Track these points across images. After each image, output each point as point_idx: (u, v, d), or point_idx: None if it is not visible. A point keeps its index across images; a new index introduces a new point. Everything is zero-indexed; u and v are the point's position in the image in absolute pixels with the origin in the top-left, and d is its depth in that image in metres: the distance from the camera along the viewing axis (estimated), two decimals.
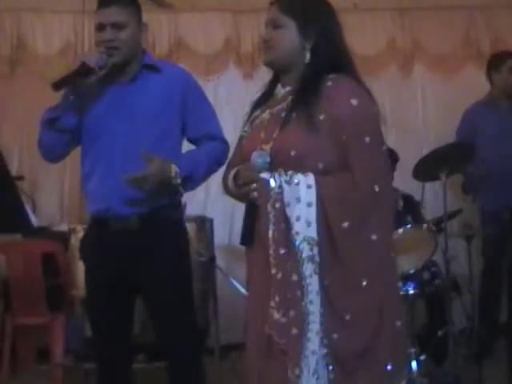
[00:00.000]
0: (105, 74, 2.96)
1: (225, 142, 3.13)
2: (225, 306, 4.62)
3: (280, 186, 2.23)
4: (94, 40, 3.04)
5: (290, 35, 2.39)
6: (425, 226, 4.23)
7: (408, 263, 4.06)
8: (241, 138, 2.58)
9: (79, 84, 2.88)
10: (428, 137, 5.82)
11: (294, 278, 2.20)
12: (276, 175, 2.25)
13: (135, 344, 3.25)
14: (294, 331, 2.18)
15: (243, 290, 4.28)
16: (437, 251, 4.20)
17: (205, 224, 4.75)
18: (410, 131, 5.81)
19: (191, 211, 4.69)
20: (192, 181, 2.97)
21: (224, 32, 5.71)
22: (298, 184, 2.23)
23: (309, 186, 2.23)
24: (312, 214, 2.22)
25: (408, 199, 4.82)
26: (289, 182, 2.24)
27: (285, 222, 2.23)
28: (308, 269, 2.20)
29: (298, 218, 2.22)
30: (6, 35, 5.45)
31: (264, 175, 2.27)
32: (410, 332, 3.93)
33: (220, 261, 4.79)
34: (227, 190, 2.51)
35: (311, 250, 2.21)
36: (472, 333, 4.60)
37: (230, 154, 2.80)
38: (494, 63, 5.15)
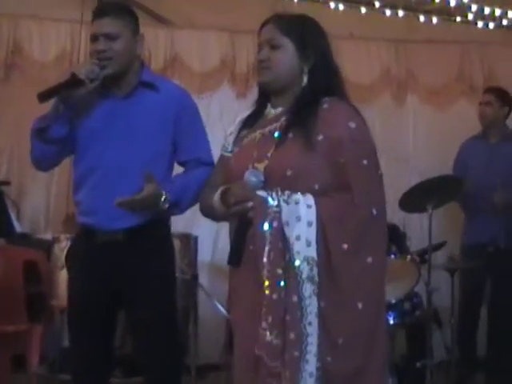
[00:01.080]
0: (99, 86, 2.93)
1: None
2: (205, 325, 4.60)
3: (278, 205, 2.22)
4: (89, 51, 3.02)
5: (288, 56, 2.39)
6: (409, 256, 4.24)
7: (389, 293, 4.05)
8: (222, 159, 2.57)
9: (67, 95, 2.85)
10: (417, 167, 5.84)
11: (295, 298, 2.18)
12: (273, 194, 2.24)
13: (113, 358, 3.23)
14: (296, 353, 2.16)
15: (224, 311, 4.27)
16: (419, 282, 4.20)
17: (189, 241, 4.74)
18: (400, 160, 5.83)
19: (176, 228, 4.67)
20: (178, 207, 2.91)
21: (220, 51, 5.74)
22: (297, 203, 2.22)
23: (309, 206, 2.22)
24: (312, 233, 2.21)
25: (393, 229, 4.82)
26: (287, 201, 2.22)
27: (282, 242, 2.21)
28: (308, 289, 2.19)
29: (298, 238, 2.20)
30: (2, 39, 5.45)
31: (261, 193, 2.24)
32: (388, 362, 3.92)
33: (203, 278, 4.79)
34: (207, 211, 2.48)
35: (311, 270, 2.20)
36: (450, 365, 4.60)
37: None
38: None
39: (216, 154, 3.13)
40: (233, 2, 5.63)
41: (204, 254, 5.27)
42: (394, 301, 4.10)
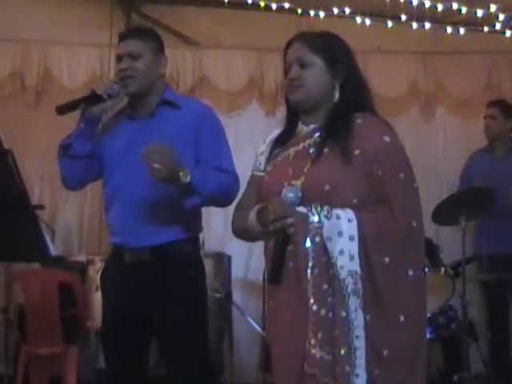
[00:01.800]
0: (127, 107, 3.04)
1: (236, 178, 3.02)
2: (239, 344, 4.59)
3: (319, 221, 2.22)
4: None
5: (319, 74, 2.40)
6: (442, 269, 4.21)
7: None
8: (253, 178, 2.55)
9: (85, 111, 2.94)
10: (448, 180, 5.79)
11: (343, 313, 2.18)
12: (313, 209, 2.24)
13: (148, 378, 3.24)
14: (347, 368, 2.15)
15: (258, 328, 4.27)
16: (454, 295, 4.17)
17: (222, 260, 4.74)
18: (431, 174, 5.78)
19: (209, 247, 4.69)
20: (198, 193, 2.85)
21: (247, 70, 5.77)
22: (339, 218, 2.22)
23: (350, 220, 2.22)
24: (354, 247, 2.21)
25: (426, 242, 4.78)
26: (327, 216, 2.22)
27: (325, 257, 2.21)
28: (353, 303, 2.19)
29: (341, 252, 2.21)
30: (32, 66, 5.55)
31: (301, 209, 2.24)
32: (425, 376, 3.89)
33: (236, 296, 4.78)
34: (240, 232, 2.48)
35: (355, 283, 2.20)
36: (488, 379, 4.54)
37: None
38: None
39: (247, 173, 3.14)
40: (258, 21, 5.65)
41: (237, 272, 5.27)
42: (429, 315, 4.07)
